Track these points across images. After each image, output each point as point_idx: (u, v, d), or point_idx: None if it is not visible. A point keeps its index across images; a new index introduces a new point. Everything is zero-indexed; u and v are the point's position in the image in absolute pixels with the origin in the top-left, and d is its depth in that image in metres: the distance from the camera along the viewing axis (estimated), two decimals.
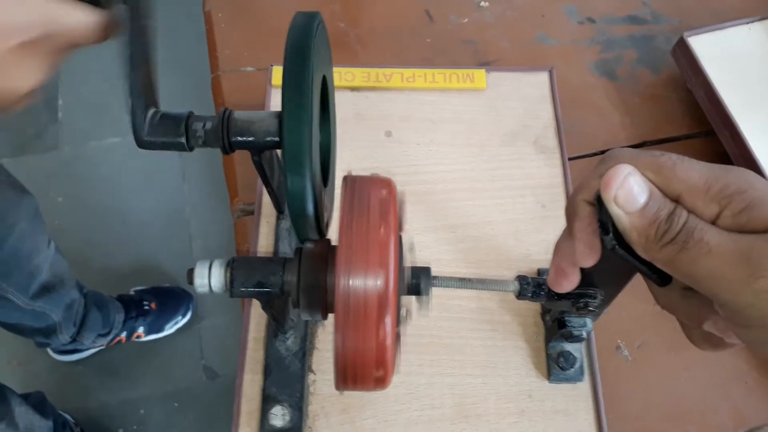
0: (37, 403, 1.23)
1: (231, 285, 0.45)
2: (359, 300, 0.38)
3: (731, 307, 0.28)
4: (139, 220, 1.74)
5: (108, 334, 1.44)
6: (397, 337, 0.40)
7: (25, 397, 1.19)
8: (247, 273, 0.45)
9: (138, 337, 1.52)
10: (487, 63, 0.80)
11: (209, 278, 0.45)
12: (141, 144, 0.47)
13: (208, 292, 0.45)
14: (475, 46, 0.81)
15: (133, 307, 1.50)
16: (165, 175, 1.79)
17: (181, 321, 1.57)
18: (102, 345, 1.48)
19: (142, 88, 0.46)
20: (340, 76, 0.74)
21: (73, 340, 1.33)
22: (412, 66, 0.75)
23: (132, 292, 1.56)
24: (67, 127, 1.88)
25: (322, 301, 0.42)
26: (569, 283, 0.39)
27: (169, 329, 1.56)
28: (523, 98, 0.74)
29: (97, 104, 1.89)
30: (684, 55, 0.74)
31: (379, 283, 0.38)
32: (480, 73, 0.74)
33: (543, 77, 0.75)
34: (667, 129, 0.77)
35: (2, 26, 0.39)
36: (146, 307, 1.52)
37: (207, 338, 1.59)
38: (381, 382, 0.40)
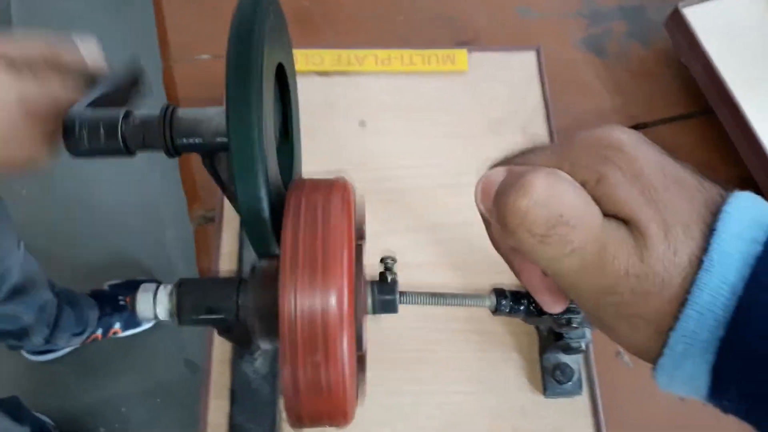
0: (12, 409, 1.21)
1: (178, 313, 0.39)
2: (306, 325, 0.33)
3: (581, 306, 0.28)
4: (109, 211, 1.67)
5: (83, 333, 1.39)
6: (359, 362, 0.36)
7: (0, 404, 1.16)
8: (196, 298, 0.39)
9: (115, 333, 1.47)
10: (466, 41, 0.74)
11: (154, 306, 0.39)
12: (75, 153, 0.41)
13: (154, 320, 0.40)
14: (451, 22, 0.75)
15: (108, 303, 1.45)
16: (134, 163, 1.70)
17: None
18: (77, 344, 1.44)
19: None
20: (307, 59, 0.67)
21: (47, 341, 1.29)
22: (385, 47, 0.68)
23: (106, 288, 1.51)
24: None
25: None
26: (566, 300, 0.34)
27: (147, 324, 1.51)
28: (509, 81, 0.68)
29: None
30: (678, 27, 0.69)
31: (331, 303, 0.33)
32: (461, 54, 0.68)
33: (530, 57, 0.69)
34: (662, 108, 0.71)
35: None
36: (122, 303, 1.47)
37: (187, 331, 1.54)
38: (342, 418, 0.36)
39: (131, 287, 1.52)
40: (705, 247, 0.24)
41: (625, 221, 0.25)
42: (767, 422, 0.24)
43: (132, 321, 1.48)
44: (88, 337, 1.43)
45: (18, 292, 1.11)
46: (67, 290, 1.34)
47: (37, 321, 1.20)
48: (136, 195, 1.70)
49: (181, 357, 1.52)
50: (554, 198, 0.26)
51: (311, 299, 0.33)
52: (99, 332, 1.44)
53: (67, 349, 1.46)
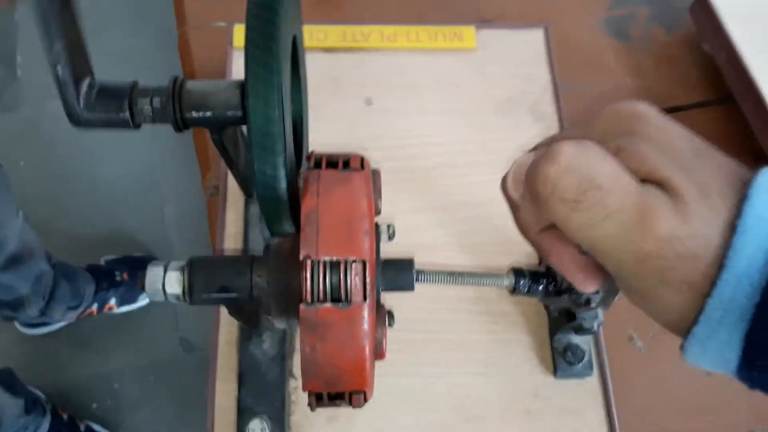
0: (6, 380, 1.20)
1: (190, 291, 0.38)
2: (329, 290, 0.33)
3: (618, 275, 0.27)
4: (106, 185, 1.65)
5: (78, 306, 1.38)
6: (377, 343, 0.36)
7: None
8: (209, 276, 0.38)
9: (110, 309, 1.46)
10: (488, 20, 0.72)
11: (163, 284, 0.38)
12: (76, 122, 0.40)
13: (163, 300, 0.39)
14: (471, 0, 0.73)
15: (104, 278, 1.44)
16: (133, 136, 1.67)
17: None
18: (72, 318, 1.43)
19: (70, 55, 0.38)
20: (311, 35, 0.66)
21: (42, 313, 1.28)
22: (391, 23, 0.66)
23: (102, 263, 1.50)
24: (26, 86, 1.76)
25: (298, 306, 0.36)
26: (600, 277, 0.33)
27: (143, 300, 1.50)
28: (517, 59, 0.67)
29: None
30: (704, 11, 0.67)
31: (352, 277, 0.33)
32: (469, 31, 0.66)
33: (538, 35, 0.68)
34: (682, 95, 0.70)
35: None
36: (118, 278, 1.46)
37: (182, 309, 1.54)
38: (358, 399, 0.36)
39: (128, 263, 1.51)
40: (738, 214, 0.24)
41: (661, 185, 0.25)
42: None
43: (128, 297, 1.47)
44: (83, 312, 1.42)
45: (14, 261, 1.09)
46: (63, 263, 1.32)
47: (33, 292, 1.19)
48: (135, 170, 1.68)
49: (176, 335, 1.51)
50: (584, 163, 0.26)
51: (334, 269, 0.33)
52: (94, 307, 1.43)
53: (62, 323, 1.45)
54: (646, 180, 0.26)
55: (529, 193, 0.29)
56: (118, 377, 1.47)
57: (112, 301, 1.45)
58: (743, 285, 0.23)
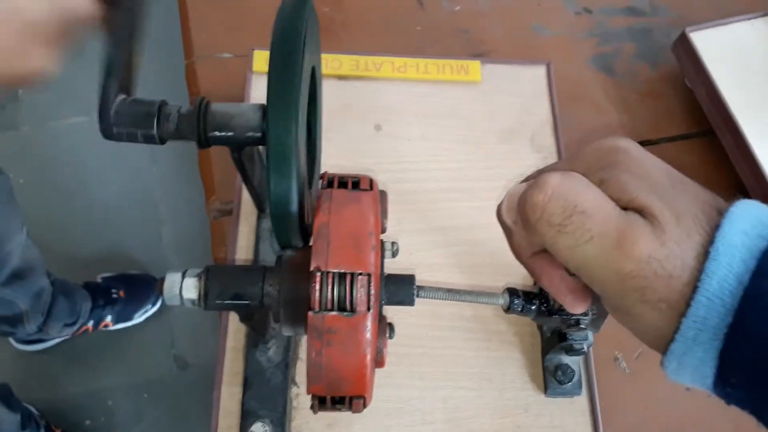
0: (4, 395, 1.19)
1: (205, 297, 0.41)
2: (336, 301, 0.35)
3: (603, 294, 0.29)
4: (105, 204, 1.66)
5: (74, 323, 1.38)
6: (378, 352, 0.38)
7: None
8: (224, 284, 0.41)
9: (106, 326, 1.46)
10: (481, 54, 0.76)
11: (181, 289, 0.41)
12: (107, 133, 0.43)
13: (179, 304, 0.41)
14: (468, 35, 0.77)
15: (101, 295, 1.44)
16: (132, 157, 1.72)
17: (151, 309, 1.52)
18: (68, 335, 1.42)
19: (120, 69, 0.42)
20: (326, 63, 0.69)
21: (39, 330, 1.28)
22: (402, 54, 0.70)
23: (99, 280, 1.51)
24: (27, 105, 1.78)
25: (306, 315, 0.39)
26: (588, 299, 0.36)
27: (138, 318, 1.50)
28: (520, 93, 0.71)
29: (60, 80, 1.79)
30: (685, 51, 0.71)
31: (358, 289, 0.36)
32: (475, 65, 0.70)
33: (540, 71, 0.72)
34: (666, 128, 0.74)
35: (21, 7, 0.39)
36: (114, 296, 1.46)
37: (178, 327, 1.54)
38: (358, 404, 0.38)
39: (125, 281, 1.51)
40: (711, 240, 0.26)
41: (640, 212, 0.28)
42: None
43: (123, 314, 1.47)
44: (79, 329, 1.41)
45: (17, 276, 1.09)
46: (62, 280, 1.33)
47: (33, 308, 1.19)
48: (134, 190, 1.69)
49: (171, 353, 1.51)
50: (568, 191, 0.29)
51: (338, 285, 0.35)
52: (90, 324, 1.43)
53: (57, 340, 1.45)
54: (627, 207, 0.28)
55: (520, 218, 0.31)
56: (112, 394, 1.46)
57: (108, 319, 1.45)
58: (716, 306, 0.25)
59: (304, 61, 0.39)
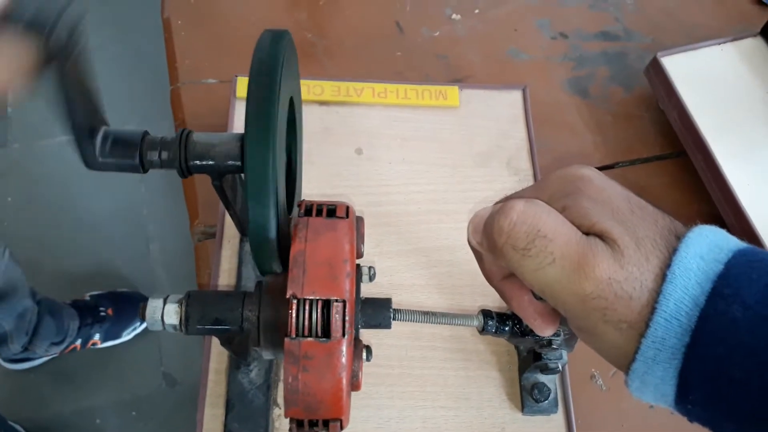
0: None
1: (186, 322, 0.42)
2: (310, 327, 0.36)
3: (567, 315, 0.30)
4: (93, 222, 1.67)
5: (62, 342, 1.38)
6: (353, 375, 0.39)
7: None
8: (204, 309, 0.42)
9: (94, 344, 1.47)
10: (459, 79, 0.78)
11: (162, 315, 0.42)
12: (92, 167, 0.44)
13: (161, 329, 0.42)
14: (446, 60, 0.79)
15: (89, 313, 1.45)
16: (121, 176, 1.71)
17: (140, 327, 1.52)
18: (55, 353, 1.42)
19: (85, 116, 0.43)
20: (308, 89, 0.71)
21: (25, 349, 1.28)
22: (382, 80, 0.72)
23: (87, 298, 1.51)
24: (16, 124, 1.79)
25: (284, 339, 0.40)
26: (555, 322, 0.37)
27: (127, 336, 1.50)
28: (496, 117, 0.72)
29: (50, 99, 1.80)
30: (657, 75, 0.73)
31: (333, 315, 0.37)
32: (453, 91, 0.72)
33: (516, 96, 0.74)
34: (639, 149, 0.76)
35: None
36: (102, 314, 1.47)
37: (166, 344, 1.55)
38: (335, 427, 0.39)
39: (113, 298, 1.51)
40: (669, 264, 0.27)
41: (601, 237, 0.29)
42: (726, 426, 0.27)
43: (112, 332, 1.47)
44: (67, 347, 1.42)
45: None
46: (48, 299, 1.33)
47: (17, 328, 1.20)
48: (122, 209, 1.70)
49: (159, 370, 1.52)
50: (532, 217, 0.30)
51: (313, 310, 0.37)
52: (78, 342, 1.43)
53: (45, 358, 1.45)
54: (589, 232, 0.29)
55: (486, 242, 0.33)
56: (100, 412, 1.46)
57: (96, 337, 1.45)
58: (673, 326, 0.26)
59: (281, 91, 0.41)
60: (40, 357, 1.43)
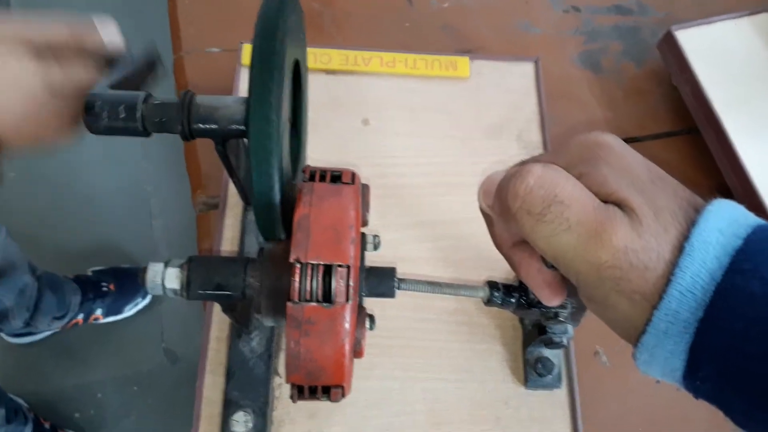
0: None
1: (188, 287, 0.41)
2: (315, 292, 0.36)
3: (579, 284, 0.30)
4: (97, 198, 1.67)
5: (64, 317, 1.39)
6: (356, 343, 0.39)
7: None
8: (206, 274, 0.42)
9: (96, 319, 1.47)
10: (469, 50, 0.76)
11: (163, 279, 0.41)
12: (91, 125, 0.43)
13: (161, 293, 0.42)
14: (455, 32, 0.78)
15: (91, 288, 1.45)
16: (124, 151, 1.72)
17: (141, 303, 1.52)
18: (57, 328, 1.43)
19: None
20: (316, 57, 0.69)
21: (27, 324, 1.28)
22: (391, 50, 0.71)
23: (89, 273, 1.51)
24: None
25: (286, 305, 0.39)
26: (563, 292, 0.36)
27: (129, 311, 1.51)
28: (507, 89, 0.71)
29: None
30: (671, 49, 0.72)
31: (337, 280, 0.36)
32: (463, 61, 0.71)
33: (528, 68, 0.72)
34: (651, 125, 0.75)
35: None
36: (104, 289, 1.47)
37: (168, 320, 1.55)
38: (336, 394, 0.38)
39: (115, 274, 1.51)
40: (687, 236, 0.26)
41: (619, 205, 0.28)
42: (735, 403, 0.26)
43: (114, 308, 1.48)
44: (68, 322, 1.42)
45: None
46: (49, 274, 1.33)
47: (17, 304, 1.20)
48: (125, 184, 1.69)
49: (161, 346, 1.52)
50: (549, 182, 0.29)
51: (318, 276, 0.36)
52: (80, 317, 1.44)
53: (47, 333, 1.45)
54: (607, 201, 0.29)
55: (499, 206, 0.32)
56: (102, 387, 1.47)
57: (98, 312, 1.46)
58: (688, 300, 0.26)
59: (285, 54, 0.39)
60: (43, 331, 1.44)
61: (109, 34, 0.47)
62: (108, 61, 0.47)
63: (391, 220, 0.63)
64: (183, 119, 0.43)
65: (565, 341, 0.53)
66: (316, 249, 0.37)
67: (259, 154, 0.38)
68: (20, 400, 1.37)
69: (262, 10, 0.40)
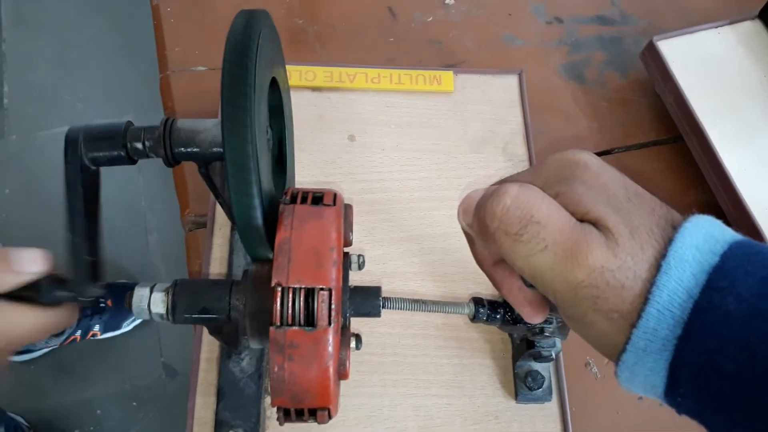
0: None
1: (173, 311, 0.41)
2: (297, 316, 0.36)
3: (557, 303, 0.30)
4: None
5: (62, 333, 1.39)
6: (340, 364, 0.39)
7: None
8: (191, 298, 0.42)
9: (94, 335, 1.47)
10: (453, 64, 0.77)
11: (149, 304, 0.41)
12: (83, 170, 0.44)
13: (148, 318, 0.42)
14: (440, 46, 0.78)
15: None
16: (118, 167, 1.71)
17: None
18: (55, 345, 1.43)
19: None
20: (300, 75, 0.70)
21: None
22: (376, 66, 0.71)
23: None
24: (13, 115, 1.78)
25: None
26: (545, 310, 0.37)
27: (127, 327, 1.51)
28: (492, 102, 0.71)
29: (46, 90, 1.80)
30: (653, 59, 0.72)
31: (318, 304, 0.36)
32: (447, 75, 0.71)
33: (512, 80, 0.73)
34: (636, 135, 0.75)
35: None
36: (102, 305, 1.45)
37: (166, 335, 1.55)
38: (323, 416, 0.38)
39: (112, 290, 1.49)
40: (664, 254, 0.26)
41: (595, 225, 0.28)
42: (715, 420, 0.26)
43: (112, 324, 1.48)
44: (66, 339, 1.42)
45: None
46: None
47: None
48: (121, 199, 1.69)
49: (160, 360, 1.52)
50: (525, 202, 0.29)
51: (300, 299, 0.36)
52: (78, 334, 1.44)
53: (45, 350, 1.45)
54: (583, 219, 0.29)
55: (477, 225, 0.32)
56: (101, 403, 1.47)
57: (96, 328, 1.46)
58: (666, 318, 0.26)
59: (257, 73, 0.39)
60: (41, 348, 1.44)
61: (31, 262, 0.45)
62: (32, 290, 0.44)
63: (378, 236, 0.64)
64: (165, 145, 0.43)
65: (553, 355, 0.53)
66: (297, 273, 0.37)
67: (236, 172, 0.38)
68: (20, 418, 1.36)
69: (230, 32, 0.40)
